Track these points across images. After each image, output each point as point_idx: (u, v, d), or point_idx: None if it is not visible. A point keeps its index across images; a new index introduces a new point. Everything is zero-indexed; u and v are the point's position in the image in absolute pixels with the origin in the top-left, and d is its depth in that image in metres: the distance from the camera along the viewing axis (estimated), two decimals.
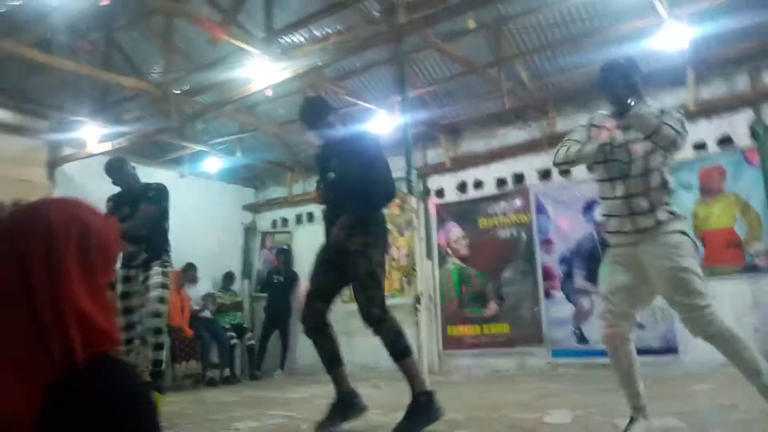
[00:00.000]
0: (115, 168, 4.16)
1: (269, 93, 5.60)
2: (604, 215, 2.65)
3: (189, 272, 7.19)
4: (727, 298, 5.06)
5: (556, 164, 2.74)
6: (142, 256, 3.96)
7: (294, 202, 8.48)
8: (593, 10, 5.39)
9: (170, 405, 5.08)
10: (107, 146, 6.30)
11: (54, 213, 0.96)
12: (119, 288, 3.98)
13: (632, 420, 2.52)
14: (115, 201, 4.16)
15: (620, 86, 2.49)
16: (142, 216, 3.96)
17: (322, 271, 3.15)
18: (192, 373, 6.71)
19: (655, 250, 2.40)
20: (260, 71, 5.21)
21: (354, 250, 2.99)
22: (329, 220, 3.16)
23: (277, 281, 7.85)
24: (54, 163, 6.62)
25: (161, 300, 3.86)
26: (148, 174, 7.62)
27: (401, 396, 3.13)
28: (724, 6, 4.73)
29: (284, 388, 5.88)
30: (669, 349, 5.19)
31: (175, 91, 5.99)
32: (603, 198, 2.60)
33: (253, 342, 7.52)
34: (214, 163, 7.81)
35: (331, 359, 3.11)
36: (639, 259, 2.45)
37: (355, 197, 3.02)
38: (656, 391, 3.98)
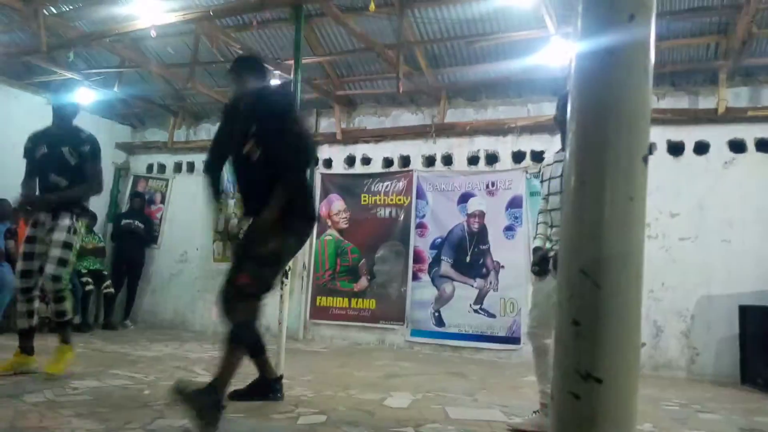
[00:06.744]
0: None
1: (153, 34, 5.21)
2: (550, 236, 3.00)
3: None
4: None
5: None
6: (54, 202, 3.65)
7: (175, 148, 8.05)
8: (493, 14, 5.49)
9: (6, 350, 4.72)
10: None
11: None
12: (26, 231, 3.68)
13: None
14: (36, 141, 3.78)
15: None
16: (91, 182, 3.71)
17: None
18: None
19: None
20: (145, 9, 4.82)
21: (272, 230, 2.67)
22: (252, 192, 2.81)
23: (135, 227, 7.48)
24: None
25: (65, 246, 3.53)
26: (11, 97, 6.91)
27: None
28: None
29: (138, 342, 5.67)
30: (512, 339, 5.65)
31: (45, 12, 5.37)
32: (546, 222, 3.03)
33: (111, 290, 7.14)
34: (87, 95, 7.16)
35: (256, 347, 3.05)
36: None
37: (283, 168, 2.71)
38: (491, 382, 4.36)
